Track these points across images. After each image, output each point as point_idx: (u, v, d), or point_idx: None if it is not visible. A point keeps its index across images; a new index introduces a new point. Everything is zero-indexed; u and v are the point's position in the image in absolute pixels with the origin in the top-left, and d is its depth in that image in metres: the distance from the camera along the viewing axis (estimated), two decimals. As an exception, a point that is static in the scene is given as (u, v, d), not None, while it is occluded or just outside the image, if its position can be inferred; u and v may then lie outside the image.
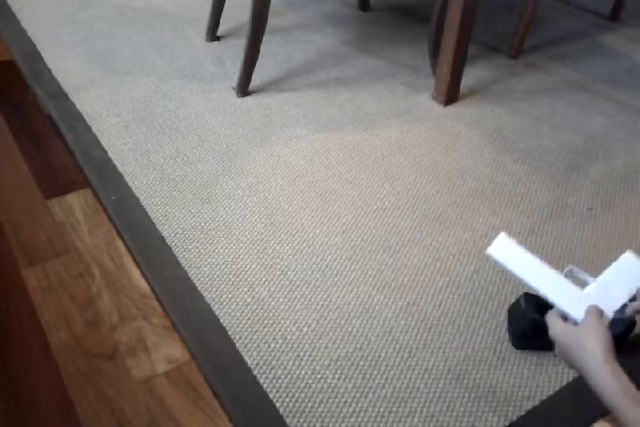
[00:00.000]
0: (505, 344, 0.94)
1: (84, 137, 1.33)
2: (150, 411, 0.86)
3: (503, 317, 0.98)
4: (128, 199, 1.18)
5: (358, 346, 0.93)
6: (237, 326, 0.95)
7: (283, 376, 0.88)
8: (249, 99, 1.47)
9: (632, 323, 0.86)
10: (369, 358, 0.91)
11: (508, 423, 0.84)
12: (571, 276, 0.80)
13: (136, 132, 1.35)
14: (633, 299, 0.77)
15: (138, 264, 1.06)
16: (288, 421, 0.83)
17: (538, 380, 0.89)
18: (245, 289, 1.01)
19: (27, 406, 0.86)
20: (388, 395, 0.87)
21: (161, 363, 0.92)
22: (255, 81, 1.50)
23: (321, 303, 0.99)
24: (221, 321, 0.96)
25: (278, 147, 1.32)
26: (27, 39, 1.67)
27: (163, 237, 1.10)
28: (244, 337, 0.93)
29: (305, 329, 0.95)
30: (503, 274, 1.05)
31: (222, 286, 1.01)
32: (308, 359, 0.91)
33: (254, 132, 1.36)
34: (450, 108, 1.47)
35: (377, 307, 0.99)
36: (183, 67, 1.58)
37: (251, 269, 1.04)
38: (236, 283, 1.02)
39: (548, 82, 1.58)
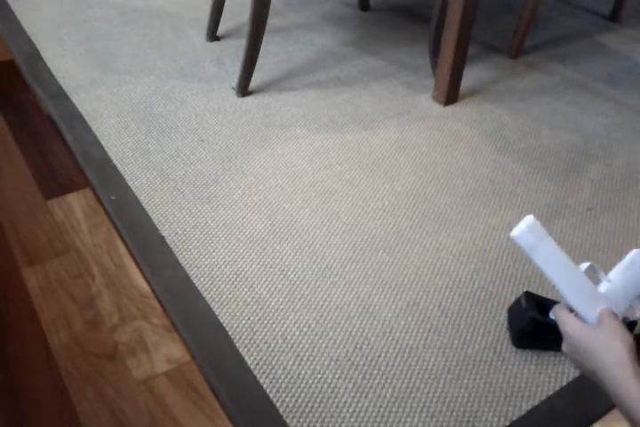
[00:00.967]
0: (505, 344, 0.94)
1: (84, 137, 1.33)
2: (150, 411, 0.86)
3: (503, 317, 0.98)
4: (128, 199, 1.18)
5: (358, 346, 0.93)
6: (237, 326, 0.95)
7: (283, 376, 0.88)
8: (249, 99, 1.47)
9: (632, 323, 0.86)
10: (369, 358, 0.91)
11: (508, 423, 0.84)
12: (590, 273, 0.78)
13: (136, 132, 1.35)
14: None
15: (138, 264, 1.06)
16: (288, 421, 0.83)
17: (538, 380, 0.89)
18: (245, 289, 1.01)
19: (27, 406, 0.86)
20: (387, 395, 0.87)
21: (161, 363, 0.92)
22: (255, 81, 1.50)
23: (321, 303, 0.99)
24: (221, 321, 0.96)
25: (278, 147, 1.32)
26: (27, 39, 1.67)
27: (163, 237, 1.10)
28: (243, 337, 0.93)
29: (305, 329, 0.95)
30: (503, 274, 1.05)
31: (222, 285, 1.01)
32: (308, 359, 0.91)
33: (254, 132, 1.36)
34: (450, 108, 1.47)
35: (377, 307, 0.99)
36: (183, 67, 1.58)
37: (251, 269, 1.04)
38: (236, 283, 1.02)
39: (548, 82, 1.58)
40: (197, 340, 0.93)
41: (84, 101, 1.44)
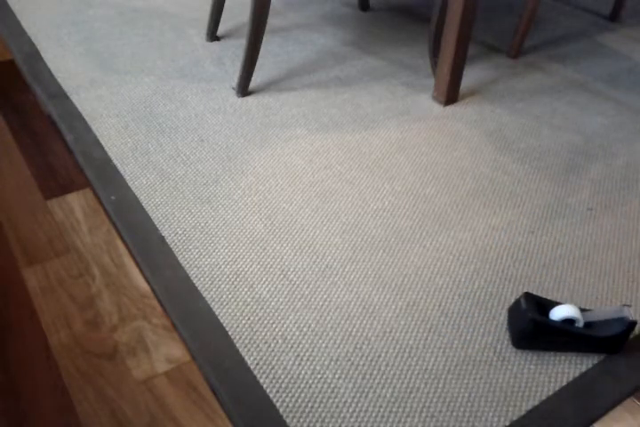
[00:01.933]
0: (505, 344, 0.94)
1: (84, 137, 1.33)
2: (150, 411, 0.86)
3: (503, 317, 0.98)
4: (128, 199, 1.18)
5: (358, 346, 0.93)
6: (237, 326, 0.95)
7: (283, 376, 0.88)
8: (249, 99, 1.47)
9: (632, 323, 0.86)
10: (369, 358, 0.91)
11: (508, 423, 0.84)
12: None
13: (136, 132, 1.35)
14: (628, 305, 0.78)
15: (138, 264, 1.06)
16: (288, 421, 0.83)
17: (538, 380, 0.89)
18: (245, 289, 1.01)
19: (27, 406, 0.86)
20: (387, 395, 0.87)
21: (161, 363, 0.92)
22: (255, 81, 1.50)
23: (321, 303, 0.99)
24: (221, 321, 0.96)
25: (278, 147, 1.32)
26: (27, 39, 1.67)
27: (163, 237, 1.10)
28: (243, 337, 0.93)
29: (305, 329, 0.95)
30: (503, 274, 1.05)
31: (222, 285, 1.01)
32: (308, 359, 0.91)
33: (254, 132, 1.36)
34: (450, 108, 1.47)
35: (377, 307, 0.99)
36: (183, 67, 1.58)
37: (251, 269, 1.04)
38: (236, 283, 1.02)
39: (548, 82, 1.58)
40: (197, 340, 0.93)
41: (83, 101, 1.44)
